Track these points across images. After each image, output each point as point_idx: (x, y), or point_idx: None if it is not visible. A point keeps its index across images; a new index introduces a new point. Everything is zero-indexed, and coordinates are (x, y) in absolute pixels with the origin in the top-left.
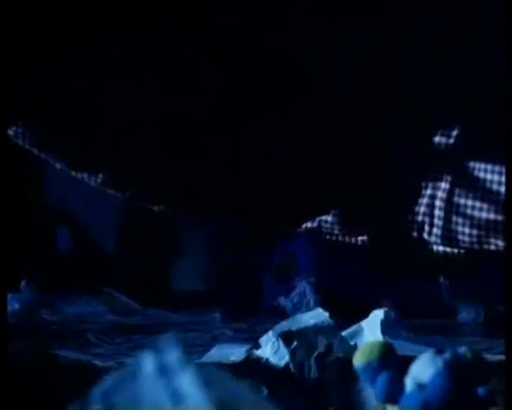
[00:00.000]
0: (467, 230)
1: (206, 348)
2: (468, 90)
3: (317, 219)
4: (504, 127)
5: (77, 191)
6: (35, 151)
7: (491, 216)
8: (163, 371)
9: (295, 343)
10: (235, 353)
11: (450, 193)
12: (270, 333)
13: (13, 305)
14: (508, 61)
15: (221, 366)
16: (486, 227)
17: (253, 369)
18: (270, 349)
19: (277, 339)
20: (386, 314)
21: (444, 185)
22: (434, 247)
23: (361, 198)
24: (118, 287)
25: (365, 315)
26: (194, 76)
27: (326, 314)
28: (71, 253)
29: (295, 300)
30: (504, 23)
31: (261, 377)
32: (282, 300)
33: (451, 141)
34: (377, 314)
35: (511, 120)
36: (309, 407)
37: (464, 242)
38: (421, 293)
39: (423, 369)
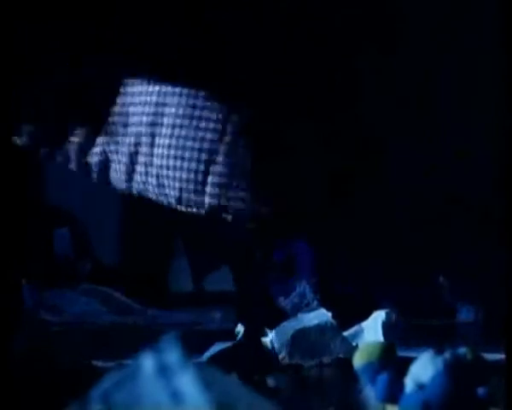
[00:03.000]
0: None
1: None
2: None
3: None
4: (504, 127)
5: (77, 191)
6: (32, 147)
7: None
8: (163, 371)
9: (295, 342)
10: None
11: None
12: (272, 333)
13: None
14: (508, 62)
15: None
16: None
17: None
18: (270, 347)
19: (276, 335)
20: (387, 316)
21: None
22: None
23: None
24: (118, 287)
25: (366, 316)
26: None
27: (329, 315)
28: (71, 255)
29: (295, 300)
30: (504, 23)
31: (263, 376)
32: (281, 300)
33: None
34: (378, 315)
35: (511, 120)
36: (309, 407)
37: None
38: (421, 293)
39: (423, 369)
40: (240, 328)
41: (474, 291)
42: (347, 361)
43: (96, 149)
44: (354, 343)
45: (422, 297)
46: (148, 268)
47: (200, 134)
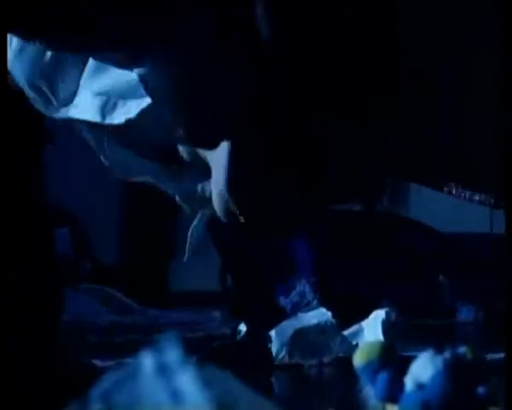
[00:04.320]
0: None
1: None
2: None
3: None
4: (504, 127)
5: (77, 191)
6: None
7: None
8: (163, 371)
9: (295, 341)
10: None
11: None
12: (272, 333)
13: None
14: (508, 61)
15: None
16: None
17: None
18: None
19: (276, 334)
20: (387, 315)
21: None
22: None
23: None
24: (118, 287)
25: (365, 315)
26: None
27: (329, 314)
28: (71, 255)
29: (295, 299)
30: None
31: (263, 375)
32: (281, 300)
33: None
34: (378, 314)
35: (511, 120)
36: (309, 407)
37: None
38: (421, 293)
39: (423, 369)
40: (242, 327)
41: (474, 291)
42: (347, 360)
43: None
44: (354, 342)
45: (422, 297)
46: (148, 268)
47: None
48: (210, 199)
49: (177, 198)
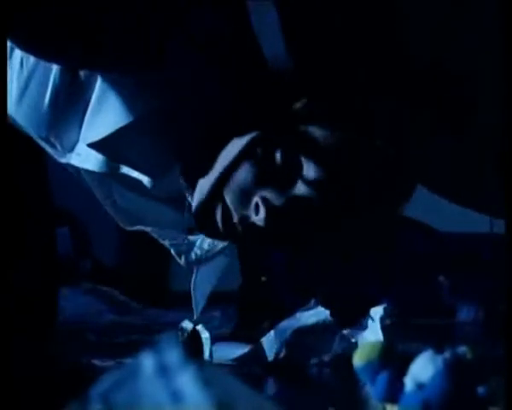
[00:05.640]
0: None
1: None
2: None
3: None
4: (504, 126)
5: (77, 191)
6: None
7: None
8: (163, 371)
9: (294, 341)
10: (236, 352)
11: None
12: (271, 332)
13: None
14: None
15: (222, 365)
16: None
17: (254, 368)
18: (269, 346)
19: (275, 336)
20: (385, 311)
21: None
22: None
23: None
24: (118, 286)
25: (365, 315)
26: None
27: (327, 313)
28: (71, 254)
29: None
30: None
31: (262, 375)
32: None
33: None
34: (376, 311)
35: (511, 119)
36: (309, 406)
37: None
38: (421, 293)
39: (423, 369)
40: (186, 324)
41: (474, 291)
42: (347, 358)
43: None
44: (354, 340)
45: (422, 297)
46: (148, 268)
47: None
48: (206, 258)
49: (172, 251)
